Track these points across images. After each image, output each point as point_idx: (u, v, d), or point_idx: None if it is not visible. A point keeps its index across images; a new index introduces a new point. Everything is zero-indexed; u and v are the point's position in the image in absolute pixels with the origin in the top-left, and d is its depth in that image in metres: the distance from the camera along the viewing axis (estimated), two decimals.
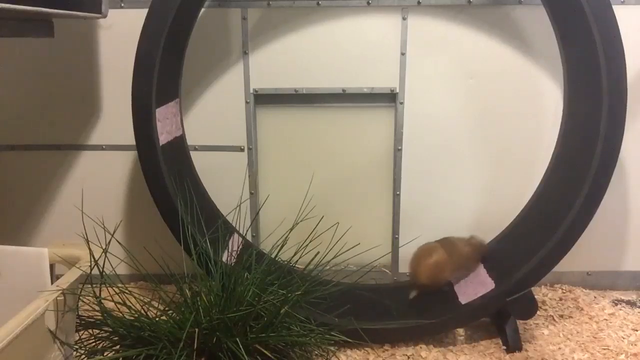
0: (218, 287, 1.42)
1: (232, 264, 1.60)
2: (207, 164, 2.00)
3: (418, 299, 1.79)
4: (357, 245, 1.61)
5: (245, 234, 1.96)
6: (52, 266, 1.42)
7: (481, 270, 1.80)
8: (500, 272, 1.73)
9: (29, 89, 2.01)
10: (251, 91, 1.97)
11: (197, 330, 1.26)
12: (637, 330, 1.78)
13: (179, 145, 1.86)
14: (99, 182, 2.06)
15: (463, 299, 1.71)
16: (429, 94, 1.96)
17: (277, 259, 1.56)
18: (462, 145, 2.00)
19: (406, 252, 2.07)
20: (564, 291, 2.05)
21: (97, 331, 1.37)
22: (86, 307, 1.38)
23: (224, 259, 1.65)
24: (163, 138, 1.67)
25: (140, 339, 1.29)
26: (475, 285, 1.74)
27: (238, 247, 1.83)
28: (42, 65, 1.98)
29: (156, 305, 1.38)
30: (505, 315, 1.69)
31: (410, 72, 1.93)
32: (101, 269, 1.38)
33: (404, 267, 2.10)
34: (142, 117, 1.63)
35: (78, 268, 1.36)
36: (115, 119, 2.01)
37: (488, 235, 1.93)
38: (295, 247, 1.54)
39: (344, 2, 1.88)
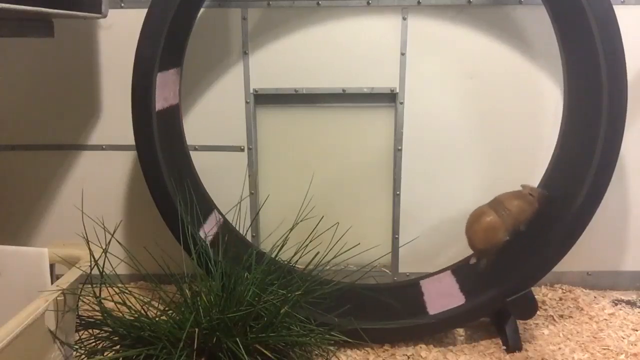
0: (218, 287, 1.42)
1: (209, 242, 1.58)
2: (207, 164, 2.00)
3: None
4: (357, 245, 1.61)
5: (245, 234, 1.96)
6: (52, 266, 1.42)
7: (452, 284, 1.80)
8: (500, 272, 1.73)
9: (29, 89, 2.01)
10: (251, 91, 1.97)
11: (197, 330, 1.26)
12: (637, 330, 1.78)
13: (179, 145, 1.86)
14: (99, 182, 2.06)
15: (431, 310, 1.71)
16: (429, 94, 1.96)
17: (277, 259, 1.56)
18: (462, 145, 2.00)
19: (406, 252, 2.08)
20: (564, 291, 2.05)
21: (97, 331, 1.37)
22: (86, 307, 1.38)
23: (201, 235, 1.65)
24: (159, 105, 1.65)
25: (140, 339, 1.29)
26: (444, 298, 1.74)
27: (216, 224, 1.82)
28: (42, 65, 1.98)
29: (156, 305, 1.38)
30: (505, 315, 1.69)
31: (410, 72, 1.93)
32: (101, 269, 1.38)
33: (404, 267, 2.11)
34: (142, 116, 1.62)
35: (78, 268, 1.36)
36: (115, 119, 2.01)
37: None
38: (295, 247, 1.54)
39: (344, 2, 1.88)
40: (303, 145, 2.03)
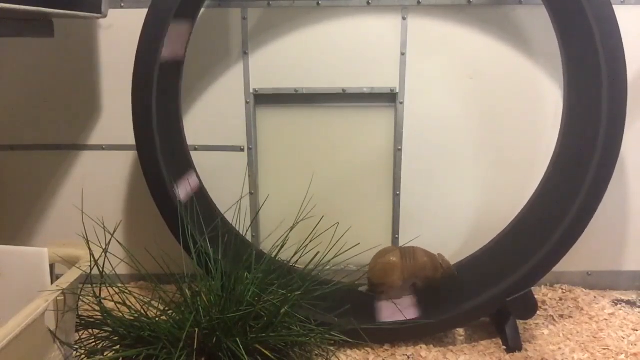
0: (218, 287, 1.42)
1: (184, 205, 1.58)
2: (207, 164, 2.00)
3: (418, 298, 1.79)
4: (357, 245, 1.61)
5: (245, 234, 1.96)
6: (52, 266, 1.41)
7: (410, 298, 1.80)
8: (500, 272, 1.73)
9: (29, 89, 2.01)
10: (251, 91, 1.97)
11: (197, 330, 1.26)
12: (637, 330, 1.78)
13: (180, 145, 1.86)
14: (99, 182, 2.06)
15: (382, 317, 1.71)
16: (429, 94, 1.96)
17: (277, 258, 1.56)
18: (462, 145, 2.00)
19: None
20: (564, 291, 2.05)
21: (97, 331, 1.37)
22: (86, 307, 1.38)
23: (179, 197, 1.65)
24: (167, 52, 1.63)
25: (140, 339, 1.30)
26: (396, 309, 1.73)
27: (193, 189, 1.80)
28: (42, 65, 1.98)
29: (156, 305, 1.38)
30: (505, 315, 1.69)
31: (410, 72, 1.93)
32: (101, 269, 1.38)
33: None
34: (142, 117, 1.63)
35: (78, 268, 1.36)
36: (115, 119, 2.01)
37: (488, 235, 1.94)
38: (295, 247, 1.54)
39: (344, 2, 1.88)
40: (303, 145, 2.03)
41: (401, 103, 1.96)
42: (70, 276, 1.33)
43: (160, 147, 1.64)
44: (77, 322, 1.38)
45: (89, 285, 1.37)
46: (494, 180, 2.03)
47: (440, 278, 1.77)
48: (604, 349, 1.68)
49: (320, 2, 1.88)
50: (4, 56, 1.97)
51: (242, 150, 2.02)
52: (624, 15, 1.60)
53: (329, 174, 2.04)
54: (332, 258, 1.56)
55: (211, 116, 2.00)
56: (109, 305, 1.38)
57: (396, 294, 1.78)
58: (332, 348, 1.56)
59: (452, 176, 2.03)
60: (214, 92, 1.98)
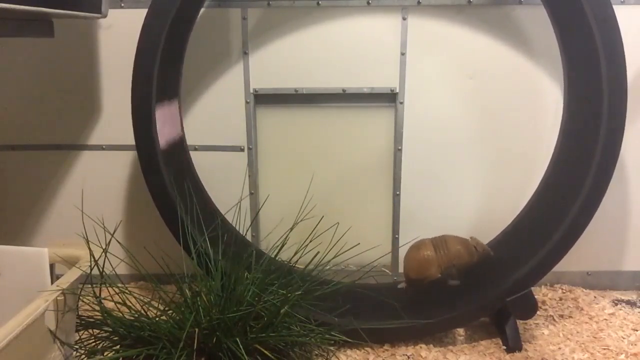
0: (218, 287, 1.42)
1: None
2: (207, 164, 2.00)
3: (417, 299, 1.79)
4: (357, 245, 1.61)
5: (245, 234, 1.96)
6: (52, 266, 1.41)
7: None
8: (500, 272, 1.73)
9: (29, 89, 2.01)
10: (251, 91, 1.97)
11: (197, 330, 1.26)
12: (637, 330, 1.78)
13: (179, 145, 1.86)
14: (99, 182, 2.06)
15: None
16: (429, 94, 1.96)
17: (277, 258, 1.56)
18: (462, 145, 2.00)
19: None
20: (564, 291, 2.05)
21: (97, 331, 1.37)
22: (86, 307, 1.38)
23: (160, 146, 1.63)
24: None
25: (140, 339, 1.29)
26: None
27: (175, 138, 1.79)
28: (42, 65, 1.98)
29: (156, 305, 1.38)
30: (505, 315, 1.69)
31: (410, 72, 1.93)
32: (101, 269, 1.38)
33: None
34: (142, 117, 1.63)
35: (78, 268, 1.36)
36: (115, 119, 2.01)
37: (488, 235, 1.94)
38: (295, 247, 1.54)
39: (344, 2, 1.88)
40: (303, 145, 2.03)
41: (401, 103, 1.96)
42: (70, 276, 1.33)
43: (161, 147, 1.64)
44: (77, 322, 1.37)
45: (89, 285, 1.37)
46: (494, 180, 2.03)
47: (476, 262, 1.76)
48: (604, 349, 1.68)
49: (320, 2, 1.88)
50: (4, 56, 1.97)
51: (242, 150, 2.02)
52: (624, 15, 1.60)
53: (329, 174, 2.04)
54: (332, 258, 1.56)
55: (211, 116, 2.00)
56: (109, 305, 1.38)
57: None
58: (332, 348, 1.55)
59: (452, 176, 2.03)
60: (214, 92, 1.98)
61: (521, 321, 1.74)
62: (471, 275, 1.78)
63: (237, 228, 1.88)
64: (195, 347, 1.23)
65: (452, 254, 1.75)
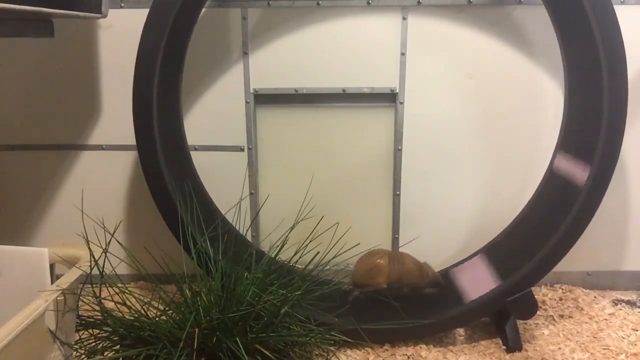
0: (218, 287, 1.42)
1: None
2: (207, 164, 2.00)
3: (416, 299, 1.79)
4: (357, 245, 1.61)
5: (245, 234, 1.96)
6: (52, 266, 1.42)
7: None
8: (500, 272, 1.73)
9: (29, 89, 2.01)
10: (251, 91, 1.97)
11: (197, 330, 1.26)
12: (637, 330, 1.78)
13: (179, 145, 1.86)
14: (99, 182, 2.06)
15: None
16: (429, 94, 1.96)
17: (277, 258, 1.56)
18: (462, 145, 2.00)
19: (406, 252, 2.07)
20: (564, 291, 2.05)
21: (97, 331, 1.37)
22: (86, 307, 1.38)
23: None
24: None
25: (140, 339, 1.29)
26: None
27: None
28: (42, 65, 1.98)
29: (156, 305, 1.38)
30: (505, 315, 1.69)
31: (410, 72, 1.93)
32: (101, 269, 1.38)
33: None
34: (142, 117, 1.63)
35: (78, 268, 1.36)
36: (115, 119, 2.01)
37: (488, 235, 1.94)
38: (295, 247, 1.54)
39: (344, 2, 1.88)
40: (303, 145, 2.03)
41: (401, 103, 1.96)
42: (70, 276, 1.33)
43: (161, 147, 1.64)
44: (77, 322, 1.37)
45: (89, 285, 1.37)
46: (494, 180, 2.03)
47: (425, 285, 1.77)
48: (604, 349, 1.68)
49: (320, 2, 1.88)
50: (4, 56, 1.97)
51: (242, 150, 2.02)
52: (624, 15, 1.60)
53: (328, 174, 2.04)
54: (332, 258, 1.56)
55: (211, 116, 2.00)
56: (109, 305, 1.38)
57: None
58: (332, 348, 1.55)
59: (452, 176, 2.03)
60: (214, 92, 1.98)
61: (521, 321, 1.74)
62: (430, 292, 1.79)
63: (237, 228, 1.88)
64: (195, 347, 1.23)
65: (405, 270, 1.75)
